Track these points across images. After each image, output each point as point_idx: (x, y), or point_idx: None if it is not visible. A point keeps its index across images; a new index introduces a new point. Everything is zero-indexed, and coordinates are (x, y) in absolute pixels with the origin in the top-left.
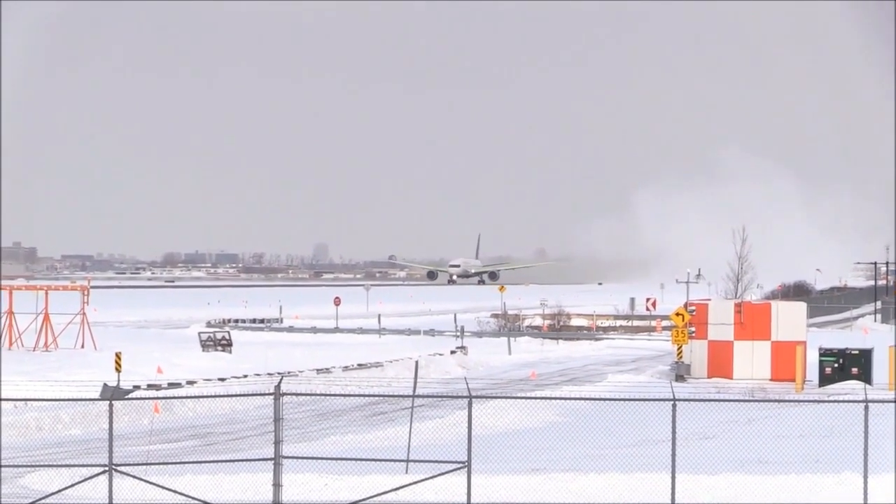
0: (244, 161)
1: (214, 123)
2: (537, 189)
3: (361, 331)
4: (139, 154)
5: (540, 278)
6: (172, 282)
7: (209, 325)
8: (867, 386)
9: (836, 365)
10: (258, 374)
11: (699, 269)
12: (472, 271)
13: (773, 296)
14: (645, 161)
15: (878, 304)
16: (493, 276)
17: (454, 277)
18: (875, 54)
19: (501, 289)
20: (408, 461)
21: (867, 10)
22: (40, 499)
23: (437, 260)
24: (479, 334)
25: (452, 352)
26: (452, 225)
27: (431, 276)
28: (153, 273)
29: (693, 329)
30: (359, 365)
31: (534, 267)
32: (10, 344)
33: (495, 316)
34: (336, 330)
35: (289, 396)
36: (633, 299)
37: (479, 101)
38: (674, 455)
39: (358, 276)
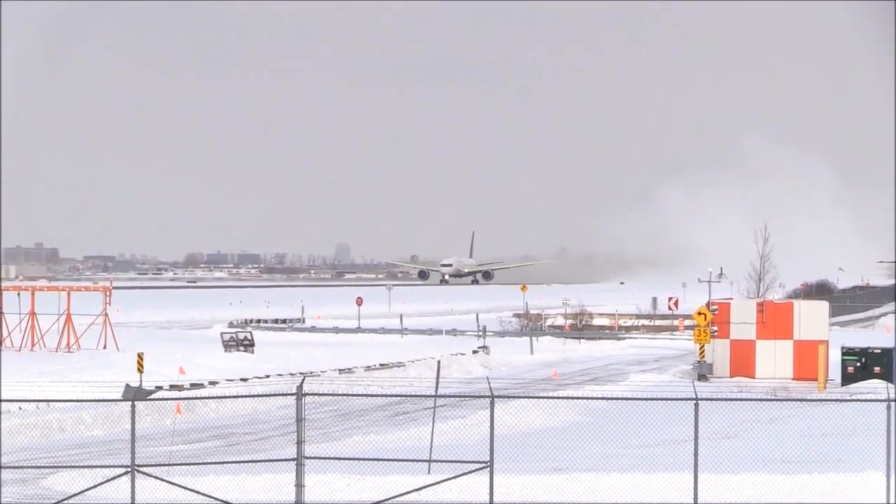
0: (266, 162)
1: (235, 124)
2: (558, 186)
3: (384, 331)
4: (161, 155)
5: (562, 277)
6: (194, 282)
7: (231, 325)
8: (889, 385)
9: (858, 364)
10: (280, 375)
11: (721, 269)
12: (465, 270)
13: (796, 295)
14: (668, 157)
15: None
16: (487, 275)
17: (446, 277)
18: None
19: (523, 288)
20: (430, 461)
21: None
22: (63, 500)
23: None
24: (501, 334)
25: (475, 351)
26: (474, 224)
27: (423, 275)
28: (175, 274)
29: (715, 328)
30: (381, 365)
31: (529, 266)
32: (33, 345)
33: (517, 315)
34: (358, 330)
35: (311, 397)
36: (655, 298)
37: (501, 98)
38: (696, 454)
39: (380, 276)
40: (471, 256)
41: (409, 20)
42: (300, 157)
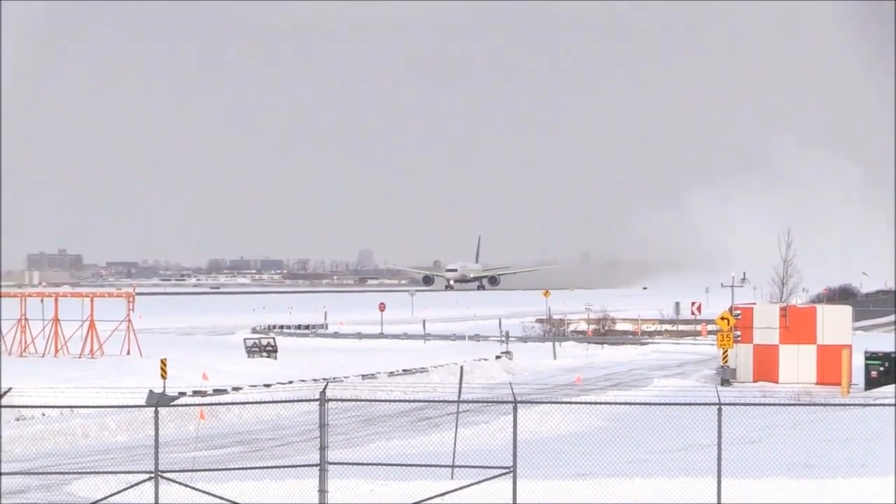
0: (290, 168)
1: (258, 130)
2: (580, 191)
3: (406, 336)
4: (184, 161)
5: (585, 283)
6: (217, 288)
7: (254, 331)
8: None
9: (882, 368)
10: (303, 380)
11: (744, 273)
12: (471, 276)
13: (819, 299)
14: (693, 160)
15: None
16: (494, 280)
17: (451, 283)
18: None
19: (546, 293)
20: (453, 466)
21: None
22: None
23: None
24: (524, 339)
25: (497, 357)
26: (498, 228)
27: (427, 281)
28: (198, 280)
29: (738, 333)
30: (404, 370)
31: (537, 271)
32: (56, 351)
33: (540, 321)
34: (381, 335)
35: (334, 402)
36: (678, 303)
37: (527, 102)
38: (720, 459)
39: (402, 281)
40: (477, 261)
41: (426, 23)
42: (324, 163)
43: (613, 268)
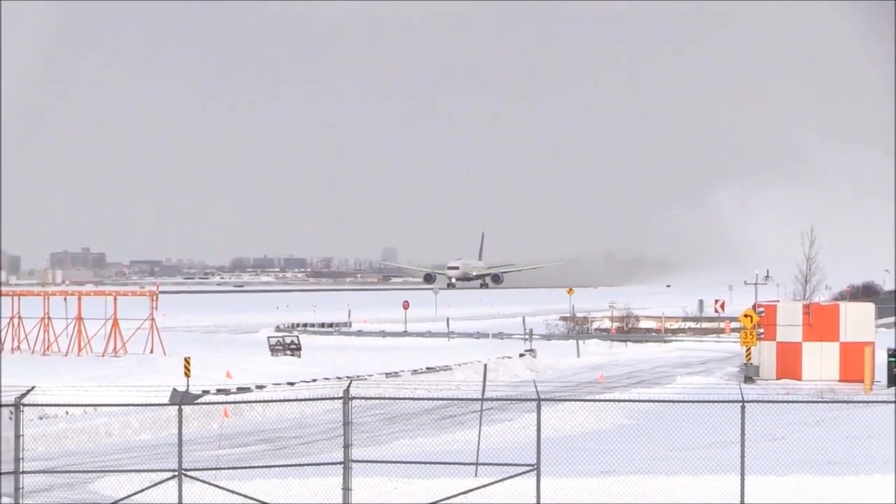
0: (313, 166)
1: (281, 128)
2: (603, 188)
3: (430, 334)
4: (207, 159)
5: (608, 280)
6: (241, 287)
7: (278, 329)
8: None
9: None
10: (327, 378)
11: (767, 271)
12: (473, 273)
13: (842, 297)
14: (718, 157)
15: None
16: (497, 279)
17: (453, 281)
18: None
19: (570, 291)
20: (477, 464)
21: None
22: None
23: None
24: (547, 337)
25: (521, 355)
26: (521, 226)
27: (429, 279)
28: (222, 278)
29: (762, 330)
30: (427, 368)
31: (542, 268)
32: (80, 349)
33: (564, 319)
34: (405, 333)
35: (358, 400)
36: (701, 301)
37: (550, 99)
38: (743, 456)
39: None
40: (480, 258)
41: (449, 24)
42: (347, 161)
43: (637, 265)
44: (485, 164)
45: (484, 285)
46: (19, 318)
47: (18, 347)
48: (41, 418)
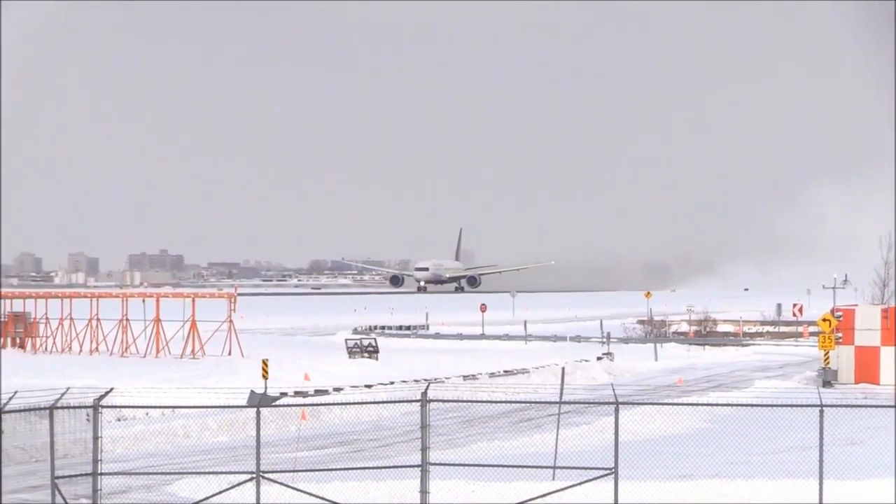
0: (391, 167)
1: (356, 129)
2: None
3: (507, 337)
4: (286, 161)
5: (686, 283)
6: (319, 289)
7: (355, 331)
8: None
9: None
10: (404, 381)
11: (846, 275)
12: (446, 276)
13: None
14: (800, 158)
15: None
16: (473, 281)
17: (422, 283)
18: None
19: (647, 295)
20: (554, 467)
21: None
22: None
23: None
24: (625, 340)
25: (599, 358)
26: (598, 224)
27: (395, 281)
28: (300, 280)
29: (840, 335)
30: (505, 371)
31: (525, 269)
32: (158, 351)
33: (641, 322)
34: (482, 336)
35: (435, 403)
36: (779, 305)
37: (627, 101)
38: (821, 461)
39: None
40: (457, 259)
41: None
42: (424, 162)
43: (710, 269)
44: (564, 165)
45: (460, 289)
46: (98, 319)
47: (97, 349)
48: (119, 420)
